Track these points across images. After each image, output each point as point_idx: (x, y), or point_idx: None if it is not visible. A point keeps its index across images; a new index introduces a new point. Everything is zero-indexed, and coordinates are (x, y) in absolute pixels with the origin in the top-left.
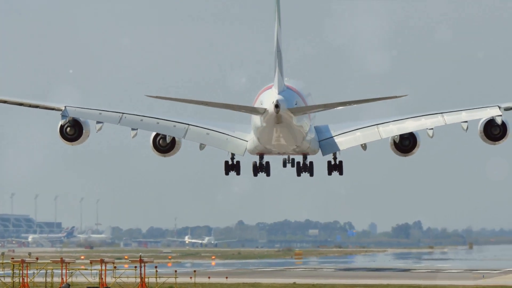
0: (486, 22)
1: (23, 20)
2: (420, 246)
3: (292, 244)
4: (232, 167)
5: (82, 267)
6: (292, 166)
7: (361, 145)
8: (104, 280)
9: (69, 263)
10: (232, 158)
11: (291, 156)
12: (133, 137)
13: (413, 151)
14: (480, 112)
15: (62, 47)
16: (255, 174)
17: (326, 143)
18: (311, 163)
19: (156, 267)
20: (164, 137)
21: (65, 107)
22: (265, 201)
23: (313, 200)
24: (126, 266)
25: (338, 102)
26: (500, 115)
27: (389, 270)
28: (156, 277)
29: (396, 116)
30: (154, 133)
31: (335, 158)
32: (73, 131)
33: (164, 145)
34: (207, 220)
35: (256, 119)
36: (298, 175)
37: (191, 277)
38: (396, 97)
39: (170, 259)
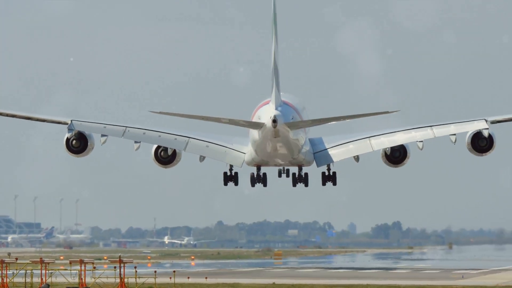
0: (475, 35)
1: (23, 24)
2: (399, 247)
3: (271, 245)
4: (231, 178)
5: (62, 267)
6: (287, 176)
7: (354, 156)
8: (83, 280)
9: (48, 263)
10: (231, 170)
11: (287, 167)
12: (136, 149)
13: (404, 162)
14: (468, 125)
15: (64, 57)
16: (253, 185)
17: (320, 155)
18: (306, 174)
19: (135, 267)
20: (165, 149)
21: (71, 121)
22: (244, 201)
23: (293, 201)
24: (105, 266)
25: (332, 117)
26: (487, 128)
27: (369, 270)
28: (135, 278)
29: (388, 129)
30: (155, 146)
31: (329, 170)
32: (78, 143)
33: (165, 157)
34: (186, 220)
35: (254, 133)
36: (294, 185)
37: (170, 278)
38: (387, 112)
39: (149, 259)
